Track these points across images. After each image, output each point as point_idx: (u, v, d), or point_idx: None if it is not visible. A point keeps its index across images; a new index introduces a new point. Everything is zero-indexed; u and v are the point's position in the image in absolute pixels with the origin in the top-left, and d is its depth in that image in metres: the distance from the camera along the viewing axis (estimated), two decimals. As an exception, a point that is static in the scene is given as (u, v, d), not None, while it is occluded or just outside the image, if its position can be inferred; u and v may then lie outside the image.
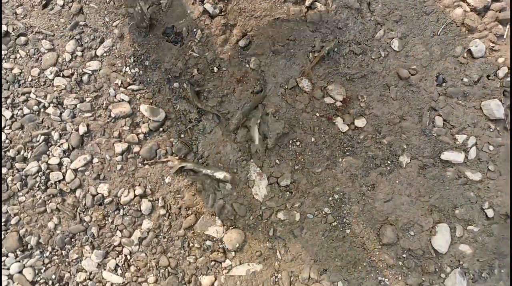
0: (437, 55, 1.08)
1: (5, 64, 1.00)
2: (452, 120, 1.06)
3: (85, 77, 1.00)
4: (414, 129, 1.05)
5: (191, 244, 0.98)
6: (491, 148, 1.03)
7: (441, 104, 1.06)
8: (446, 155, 1.04)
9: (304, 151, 1.03)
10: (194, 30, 1.05)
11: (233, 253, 0.98)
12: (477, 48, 1.07)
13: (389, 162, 1.04)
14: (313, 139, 1.04)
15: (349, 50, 1.08)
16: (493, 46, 1.07)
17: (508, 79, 1.04)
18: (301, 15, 1.09)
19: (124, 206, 0.97)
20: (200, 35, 1.05)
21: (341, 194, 1.02)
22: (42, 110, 0.98)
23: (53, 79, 1.00)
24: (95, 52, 1.01)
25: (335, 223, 1.01)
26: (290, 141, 1.04)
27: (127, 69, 1.01)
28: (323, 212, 1.01)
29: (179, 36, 1.05)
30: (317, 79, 1.07)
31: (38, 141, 0.96)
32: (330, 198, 1.02)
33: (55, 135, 0.97)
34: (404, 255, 1.00)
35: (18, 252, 0.93)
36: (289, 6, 1.09)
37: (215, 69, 1.04)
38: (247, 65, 1.05)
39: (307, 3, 1.09)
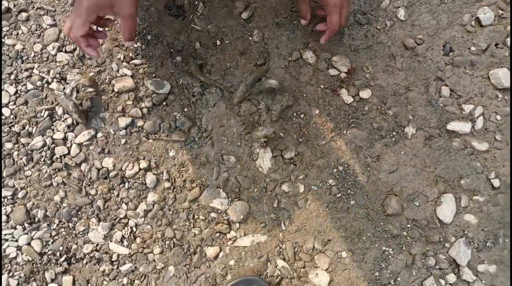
0: (444, 24, 1.05)
1: (7, 41, 0.99)
2: (459, 90, 1.03)
3: (87, 52, 0.98)
4: (420, 100, 1.02)
5: (196, 216, 0.97)
6: (498, 117, 1.00)
7: (448, 74, 1.03)
8: (453, 125, 1.01)
9: (308, 124, 1.01)
10: (196, 3, 1.02)
11: (237, 225, 0.97)
12: (485, 16, 1.03)
13: (394, 133, 1.02)
14: (317, 111, 1.02)
15: (354, 21, 1.05)
16: (502, 14, 1.03)
17: (517, 46, 1.00)
18: (304, -15, 1.05)
19: (129, 179, 0.96)
20: (202, 8, 1.02)
21: (346, 165, 1.00)
22: (45, 85, 0.97)
23: (55, 55, 0.98)
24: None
25: (340, 195, 0.99)
26: (294, 114, 1.02)
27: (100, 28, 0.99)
28: (328, 184, 1.00)
29: (181, 10, 1.03)
30: (321, 51, 1.04)
31: (43, 116, 0.95)
32: (335, 170, 1.00)
33: (59, 110, 0.96)
34: (408, 226, 0.99)
35: (26, 225, 0.93)
36: (292, -24, 1.05)
37: (218, 42, 1.01)
38: (250, 38, 1.02)
39: (310, -27, 1.05)
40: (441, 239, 0.98)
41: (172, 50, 1.01)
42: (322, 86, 1.02)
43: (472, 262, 0.98)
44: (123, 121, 0.97)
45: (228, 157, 0.99)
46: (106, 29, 0.96)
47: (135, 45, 0.98)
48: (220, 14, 1.02)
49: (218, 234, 0.96)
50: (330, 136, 1.01)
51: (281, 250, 0.97)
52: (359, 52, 1.04)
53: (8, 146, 0.95)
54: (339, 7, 0.89)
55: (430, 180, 1.00)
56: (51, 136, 0.95)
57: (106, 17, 0.84)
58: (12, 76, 0.97)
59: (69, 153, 0.95)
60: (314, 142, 1.01)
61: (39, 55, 0.99)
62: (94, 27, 0.84)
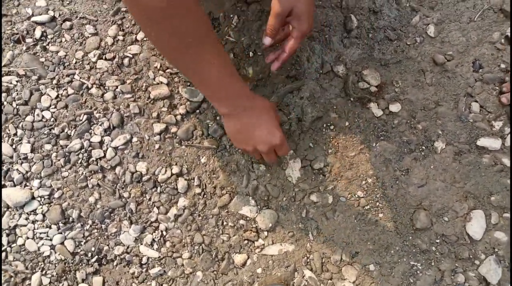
0: (473, 41, 0.99)
1: (51, 47, 0.97)
2: (489, 107, 0.96)
3: (125, 61, 0.95)
4: (449, 115, 0.96)
5: (225, 223, 0.92)
6: (530, 134, 0.93)
7: (478, 90, 0.97)
8: (482, 141, 0.95)
9: (338, 135, 0.96)
10: (231, 16, 0.99)
11: (265, 233, 0.92)
12: (517, 34, 0.97)
13: (423, 147, 0.96)
14: (347, 123, 0.96)
15: (384, 36, 1.00)
16: (533, 32, 0.97)
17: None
18: (336, 1, 1.01)
19: (161, 184, 0.91)
20: (237, 21, 0.99)
21: (375, 178, 0.94)
22: (85, 91, 0.94)
23: (96, 62, 0.96)
24: (136, 37, 0.97)
25: (368, 207, 0.93)
26: (324, 125, 0.96)
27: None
28: (356, 196, 0.93)
29: (216, 22, 1.00)
30: (352, 64, 0.99)
31: (81, 120, 0.92)
32: (363, 182, 0.94)
33: (97, 115, 0.93)
34: (437, 241, 0.92)
35: (61, 224, 0.89)
36: (324, -8, 1.01)
37: (251, 54, 0.98)
38: (282, 50, 0.98)
39: (342, -11, 1.01)
40: (471, 256, 0.91)
41: (207, 60, 0.97)
42: (352, 99, 0.97)
43: (503, 281, 0.90)
44: (158, 127, 0.93)
45: (258, 165, 0.94)
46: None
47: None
48: (254, 27, 0.99)
49: (246, 242, 0.91)
50: (360, 148, 0.95)
51: (308, 260, 0.91)
52: (389, 67, 0.99)
53: (47, 147, 0.92)
54: (306, 35, 0.79)
55: (460, 196, 0.93)
56: (89, 140, 0.92)
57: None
58: (54, 81, 0.95)
59: (104, 156, 0.92)
60: (343, 153, 0.95)
61: (80, 62, 0.96)
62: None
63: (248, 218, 0.91)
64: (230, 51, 0.98)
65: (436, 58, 0.98)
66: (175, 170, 0.92)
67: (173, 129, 0.94)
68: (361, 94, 0.96)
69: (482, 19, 1.00)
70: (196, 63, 0.64)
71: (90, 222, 0.90)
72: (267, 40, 0.78)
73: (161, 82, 0.96)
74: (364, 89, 0.98)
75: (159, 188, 0.92)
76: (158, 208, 0.91)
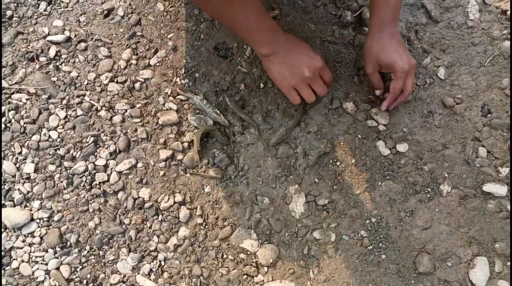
0: (483, 86, 0.96)
1: (64, 67, 0.93)
2: (496, 152, 0.92)
3: (137, 85, 0.92)
4: (456, 158, 0.92)
5: (225, 256, 0.87)
6: (538, 183, 0.89)
7: (485, 135, 0.93)
8: (489, 187, 0.90)
9: (344, 172, 0.91)
10: (244, 47, 0.96)
11: (266, 268, 0.86)
12: (527, 82, 0.94)
13: (429, 189, 0.91)
14: (353, 160, 0.92)
15: (394, 76, 0.97)
16: (543, 81, 0.94)
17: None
18: (348, 38, 0.98)
19: (163, 212, 0.87)
20: (250, 52, 0.95)
21: (379, 217, 0.89)
22: (94, 113, 0.91)
23: (107, 85, 0.92)
24: (149, 61, 0.93)
25: (371, 247, 0.88)
26: (331, 161, 0.92)
27: (177, 79, 0.92)
28: (359, 235, 0.88)
29: (229, 52, 0.97)
30: (361, 102, 0.95)
31: (88, 142, 0.88)
32: (367, 221, 0.89)
33: (104, 137, 0.89)
34: (440, 287, 0.86)
35: (58, 249, 0.83)
36: (338, 29, 0.99)
37: (261, 85, 0.94)
38: (292, 83, 0.94)
39: (356, 28, 0.98)
40: (474, 305, 0.85)
41: (217, 89, 0.94)
42: (359, 136, 0.93)
43: (506, 332, 0.84)
44: (164, 154, 0.89)
45: (262, 198, 0.89)
46: None
47: (183, 81, 0.90)
48: (266, 59, 0.95)
49: (245, 276, 0.85)
50: (365, 186, 0.91)
51: (308, 299, 0.85)
52: (398, 106, 0.95)
53: (51, 168, 0.88)
54: (406, 74, 0.80)
55: (464, 241, 0.88)
56: (93, 162, 0.87)
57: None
58: (64, 101, 0.91)
59: (108, 180, 0.87)
60: (348, 191, 0.91)
61: (92, 84, 0.93)
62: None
63: (248, 252, 0.86)
64: (241, 81, 0.94)
65: (446, 101, 0.95)
66: (178, 198, 0.87)
67: (179, 156, 0.90)
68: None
69: (492, 65, 0.97)
70: (239, 11, 0.70)
71: (88, 247, 0.85)
72: (378, 92, 0.90)
73: (170, 108, 0.92)
74: (372, 127, 0.94)
75: (160, 216, 0.87)
76: (158, 236, 0.86)
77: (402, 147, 0.92)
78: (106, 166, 0.88)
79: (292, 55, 0.78)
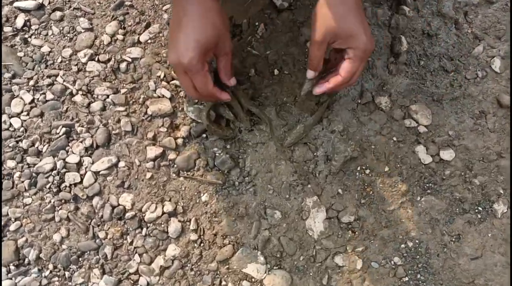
0: (549, 82, 0.76)
1: (34, 41, 0.75)
2: None
3: (123, 65, 0.73)
4: (515, 171, 0.73)
5: (223, 282, 0.68)
6: None
7: (551, 144, 0.74)
8: (554, 208, 0.71)
9: (374, 182, 0.73)
10: (257, 24, 0.77)
11: (274, 301, 0.68)
12: None
13: (480, 208, 0.72)
14: (386, 168, 0.73)
15: (438, 66, 0.78)
16: None
17: None
18: (383, 19, 0.79)
19: (148, 224, 0.68)
20: (263, 31, 0.76)
21: (417, 241, 0.71)
22: (68, 97, 0.72)
23: (86, 64, 0.74)
24: (139, 37, 0.75)
25: (406, 278, 0.69)
26: (358, 168, 0.73)
27: None
28: (392, 262, 0.70)
29: (237, 29, 0.78)
30: (398, 95, 0.76)
31: (58, 133, 0.69)
32: (403, 245, 0.70)
33: (79, 128, 0.70)
34: (493, 332, 0.67)
35: (12, 267, 0.65)
36: (371, 8, 0.79)
37: (276, 71, 0.75)
38: (314, 71, 0.75)
39: (393, 6, 0.79)
40: None
41: (221, 74, 0.75)
42: (395, 138, 0.74)
43: None
44: (153, 152, 0.70)
45: (273, 211, 0.70)
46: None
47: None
48: (282, 40, 0.77)
49: (248, 310, 0.67)
50: (400, 201, 0.72)
51: None
52: (443, 103, 0.76)
53: (10, 164, 0.69)
54: (368, 55, 0.57)
55: (523, 274, 0.69)
56: (64, 159, 0.69)
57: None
58: (32, 82, 0.72)
59: (81, 182, 0.69)
60: (379, 206, 0.72)
61: (67, 62, 0.74)
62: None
63: (253, 279, 0.68)
64: (251, 66, 0.75)
65: (501, 99, 0.76)
66: (168, 207, 0.69)
67: (171, 155, 0.71)
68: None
69: (558, 57, 0.77)
70: None
71: (51, 266, 0.66)
72: (310, 74, 0.63)
73: (163, 96, 0.73)
74: (411, 128, 0.75)
75: (145, 229, 0.68)
76: (140, 255, 0.67)
77: (447, 154, 0.74)
78: (79, 164, 0.70)
79: (179, 23, 0.54)
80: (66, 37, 0.76)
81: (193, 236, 0.69)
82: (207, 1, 0.56)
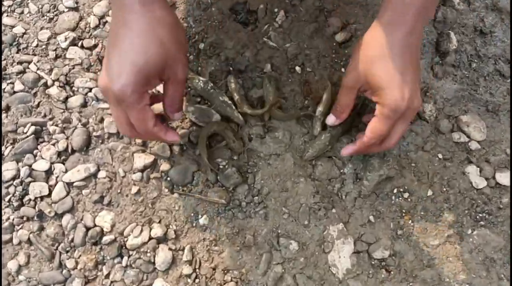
0: None
1: (6, 19, 0.61)
2: None
3: (112, 53, 0.59)
4: None
5: (223, 331, 0.53)
6: None
7: None
8: None
9: (414, 209, 0.58)
10: (276, 10, 0.63)
11: None
12: None
13: (548, 248, 0.57)
14: (429, 192, 0.59)
15: (493, 69, 0.64)
16: None
17: None
18: (428, 10, 0.65)
19: (131, 252, 0.54)
20: (283, 19, 0.63)
21: (468, 286, 0.56)
22: (41, 89, 0.58)
23: (66, 49, 0.60)
24: (133, 22, 0.60)
25: (455, 334, 0.54)
26: (395, 191, 0.59)
27: None
28: (437, 312, 0.55)
29: (252, 17, 0.64)
30: (445, 103, 0.62)
31: (26, 133, 0.56)
32: (450, 291, 0.56)
33: (52, 128, 0.56)
34: None
35: (-48, 303, 0.50)
36: (413, -4, 0.65)
37: (297, 68, 0.61)
38: (342, 70, 0.62)
39: (440, -4, 0.66)
40: None
41: (231, 68, 0.61)
42: (440, 155, 0.60)
43: None
44: (141, 160, 0.56)
45: (288, 240, 0.56)
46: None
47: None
48: (306, 31, 0.63)
49: None
50: (446, 234, 0.58)
51: None
52: (499, 115, 0.62)
53: (-38, 168, 0.55)
54: (399, 116, 0.45)
55: None
56: (30, 166, 0.55)
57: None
58: (-2, 69, 0.58)
59: (49, 195, 0.55)
60: (420, 240, 0.57)
61: (44, 46, 0.61)
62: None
63: (261, 328, 0.53)
64: (267, 60, 0.62)
65: None
66: (157, 231, 0.54)
67: (164, 166, 0.57)
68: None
69: None
70: None
71: (2, 303, 0.52)
72: (331, 119, 0.54)
73: (158, 92, 0.60)
74: (461, 144, 0.61)
75: (125, 259, 0.54)
76: (118, 292, 0.52)
77: (504, 178, 0.59)
78: (49, 172, 0.56)
79: (131, 38, 0.40)
80: (45, 17, 0.63)
81: (187, 269, 0.54)
82: (155, 9, 0.41)
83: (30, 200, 0.55)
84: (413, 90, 0.44)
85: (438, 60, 0.64)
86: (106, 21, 0.63)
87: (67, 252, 0.54)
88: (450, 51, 0.64)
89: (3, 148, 0.57)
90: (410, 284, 0.56)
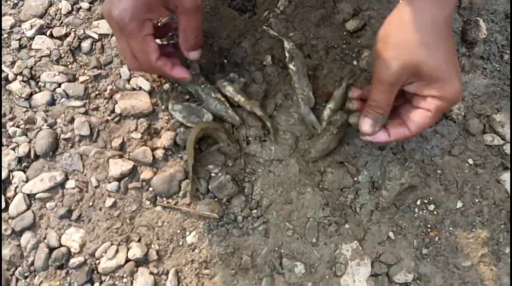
0: None
1: (-36, 4, 0.52)
2: None
3: (85, 44, 0.51)
4: None
5: None
6: None
7: None
8: None
9: (441, 223, 0.49)
10: (275, -5, 0.55)
11: None
12: None
13: None
14: (459, 204, 0.50)
15: (530, 61, 0.55)
16: None
17: None
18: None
19: (104, 277, 0.44)
20: (285, 4, 0.54)
21: (508, 317, 0.46)
22: (1, 84, 0.49)
23: (32, 38, 0.52)
24: (112, 8, 0.52)
25: None
26: (418, 202, 0.50)
27: (157, 40, 0.51)
28: None
29: (250, 2, 0.56)
30: (474, 100, 0.53)
31: (-19, 135, 0.46)
32: (487, 322, 0.46)
33: (12, 129, 0.47)
34: None
35: None
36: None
37: (302, 61, 0.53)
38: (354, 62, 0.54)
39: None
40: None
41: (225, 60, 0.53)
42: (471, 161, 0.51)
43: None
44: (118, 167, 0.47)
45: (292, 262, 0.46)
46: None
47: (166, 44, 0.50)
48: (312, 18, 0.55)
49: None
50: (480, 253, 0.49)
51: None
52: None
53: None
54: (450, 106, 0.41)
55: None
56: (-16, 173, 0.45)
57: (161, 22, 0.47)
58: (-49, 60, 0.49)
59: (6, 209, 0.45)
60: (449, 260, 0.48)
61: (6, 35, 0.52)
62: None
63: None
64: (267, 52, 0.53)
65: None
66: (136, 251, 0.45)
67: (146, 174, 0.48)
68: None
69: None
70: None
71: None
72: (366, 125, 0.42)
73: (140, 88, 0.51)
74: (494, 147, 0.52)
75: (97, 285, 0.44)
76: (87, 328, 0.43)
77: (546, 186, 0.50)
78: (6, 182, 0.46)
79: None
80: (9, 2, 0.54)
81: (171, 299, 0.44)
82: None
83: (-18, 215, 0.46)
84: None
85: (464, 51, 0.56)
86: (80, 7, 0.54)
87: (25, 277, 0.45)
88: (479, 41, 0.55)
89: (-47, 152, 0.48)
90: (439, 314, 0.47)
